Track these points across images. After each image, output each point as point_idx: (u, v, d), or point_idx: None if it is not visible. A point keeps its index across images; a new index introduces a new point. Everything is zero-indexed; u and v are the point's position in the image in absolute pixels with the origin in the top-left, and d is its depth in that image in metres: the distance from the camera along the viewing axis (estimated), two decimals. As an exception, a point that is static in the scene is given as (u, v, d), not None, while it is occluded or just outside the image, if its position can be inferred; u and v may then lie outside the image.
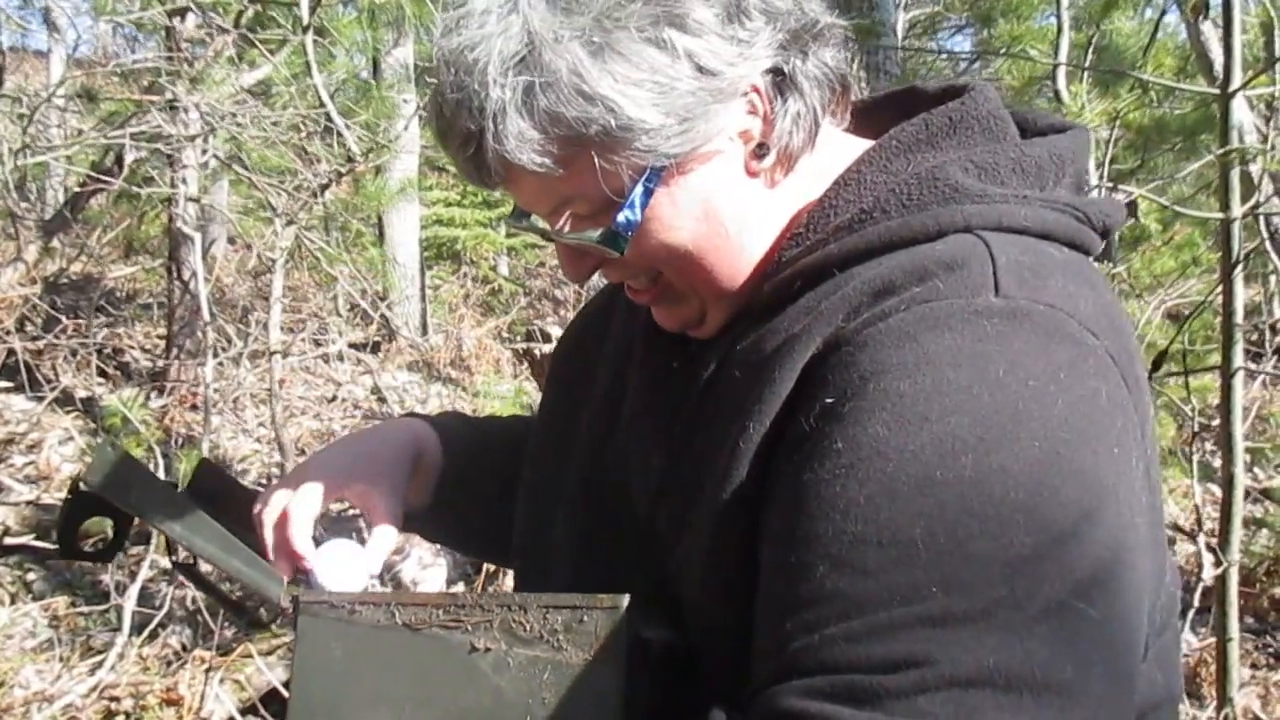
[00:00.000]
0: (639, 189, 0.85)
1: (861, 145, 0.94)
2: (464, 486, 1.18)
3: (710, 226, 0.89)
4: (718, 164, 0.87)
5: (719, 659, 0.84)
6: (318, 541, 1.09)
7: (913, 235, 0.84)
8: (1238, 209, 2.53)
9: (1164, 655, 0.89)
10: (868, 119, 0.98)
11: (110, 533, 1.13)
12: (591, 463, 1.03)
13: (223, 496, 1.12)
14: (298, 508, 1.04)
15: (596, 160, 0.83)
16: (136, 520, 1.09)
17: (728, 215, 0.89)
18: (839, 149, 0.93)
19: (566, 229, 0.89)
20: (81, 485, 1.04)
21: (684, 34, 0.82)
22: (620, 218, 0.86)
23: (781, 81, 0.87)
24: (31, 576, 4.73)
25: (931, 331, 0.76)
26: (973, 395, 0.73)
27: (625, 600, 0.82)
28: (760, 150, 0.88)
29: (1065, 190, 0.91)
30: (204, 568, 1.11)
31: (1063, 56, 3.35)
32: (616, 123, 0.82)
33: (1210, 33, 3.74)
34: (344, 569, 1.06)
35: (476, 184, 0.89)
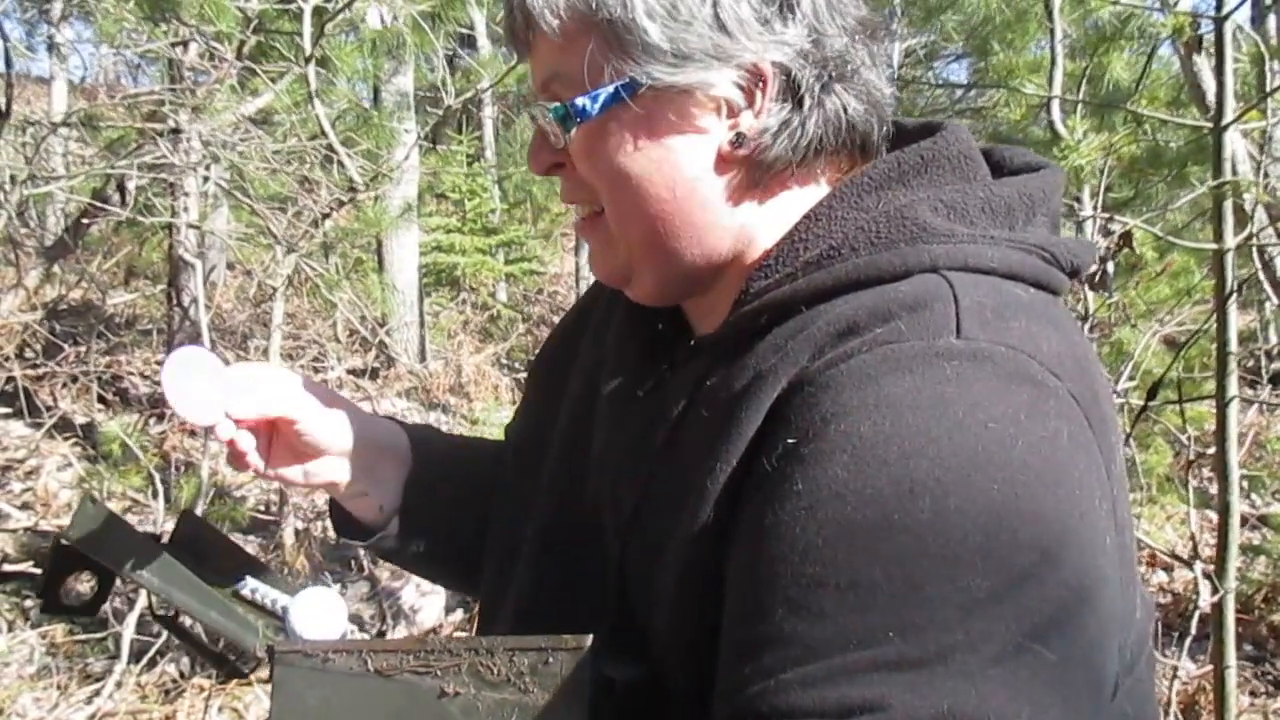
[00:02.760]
0: (609, 89, 0.87)
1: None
2: (435, 492, 1.16)
3: (661, 176, 0.89)
4: (696, 133, 0.89)
5: (687, 694, 0.84)
6: (299, 588, 1.10)
7: (879, 274, 0.84)
8: (1231, 240, 2.55)
9: (1135, 689, 0.88)
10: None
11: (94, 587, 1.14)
12: (562, 492, 1.03)
13: (203, 548, 1.13)
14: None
15: (592, 47, 0.87)
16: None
17: (682, 178, 0.90)
18: (818, 188, 0.94)
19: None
20: (63, 541, 1.07)
21: None
22: (579, 101, 0.89)
23: (787, 85, 0.88)
24: (29, 604, 4.71)
25: (892, 374, 0.76)
26: (931, 438, 0.73)
27: (589, 640, 0.81)
28: (737, 140, 0.89)
29: (1037, 229, 0.91)
30: (184, 620, 1.12)
31: (1057, 89, 3.38)
32: (624, 19, 0.85)
33: (1204, 65, 3.78)
34: (320, 618, 1.07)
35: (513, 45, 0.94)
